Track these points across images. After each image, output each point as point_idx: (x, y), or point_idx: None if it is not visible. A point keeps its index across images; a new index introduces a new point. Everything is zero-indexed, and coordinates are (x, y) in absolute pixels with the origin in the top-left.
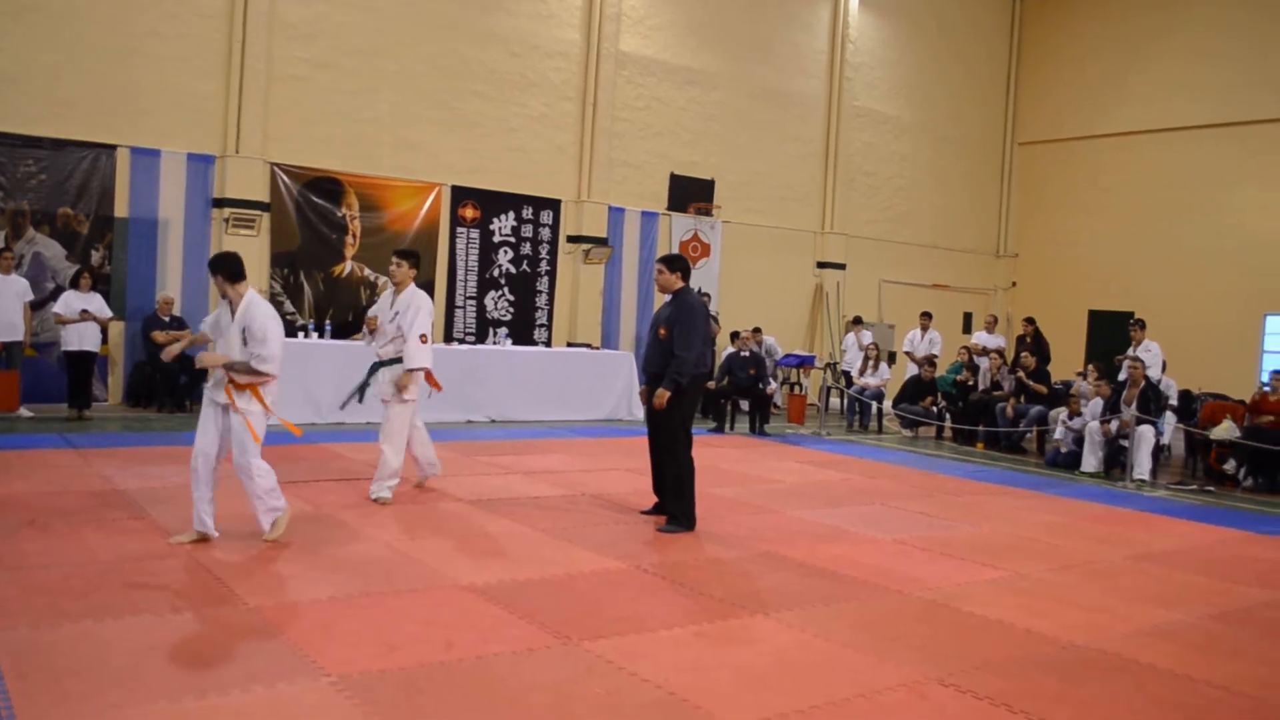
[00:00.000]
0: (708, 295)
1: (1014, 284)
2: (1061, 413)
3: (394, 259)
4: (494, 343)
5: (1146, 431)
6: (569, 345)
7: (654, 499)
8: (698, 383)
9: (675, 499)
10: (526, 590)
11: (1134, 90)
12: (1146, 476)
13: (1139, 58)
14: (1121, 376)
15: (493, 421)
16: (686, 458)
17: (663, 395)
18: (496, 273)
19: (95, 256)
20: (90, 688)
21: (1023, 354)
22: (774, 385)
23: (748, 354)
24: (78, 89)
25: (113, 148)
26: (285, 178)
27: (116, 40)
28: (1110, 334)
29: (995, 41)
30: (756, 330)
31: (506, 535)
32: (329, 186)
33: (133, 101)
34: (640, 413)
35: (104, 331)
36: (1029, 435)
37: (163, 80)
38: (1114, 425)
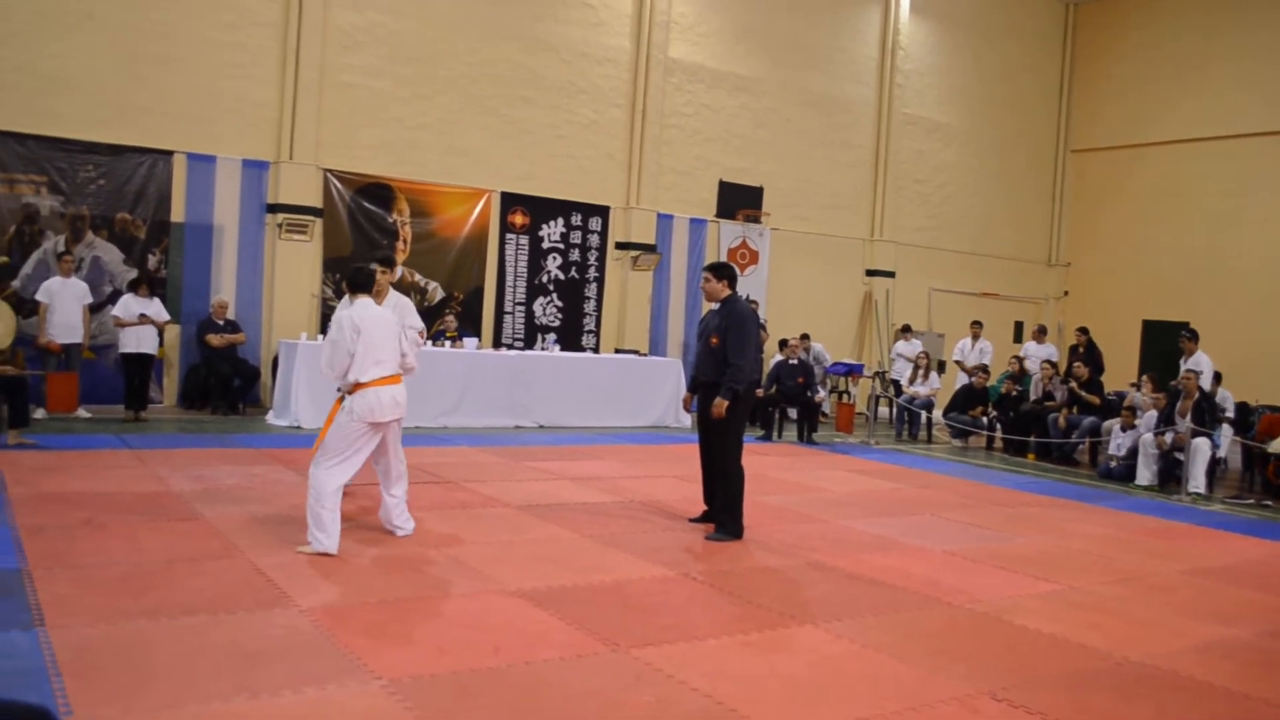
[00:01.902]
0: (755, 302)
1: (1066, 293)
2: (1115, 424)
3: (379, 268)
4: (542, 349)
5: (1202, 444)
6: (617, 351)
7: (702, 507)
8: (749, 390)
9: (724, 507)
10: (574, 596)
11: (1189, 97)
12: (1202, 490)
13: (1194, 64)
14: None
15: (541, 427)
16: (737, 465)
17: (721, 404)
18: (545, 279)
19: (152, 261)
20: (145, 686)
21: (1075, 364)
22: (822, 393)
23: (796, 362)
24: (136, 96)
25: (169, 154)
26: (338, 183)
27: (173, 48)
28: (1165, 344)
29: (1048, 49)
30: (805, 337)
31: (555, 541)
32: (380, 192)
33: (189, 108)
34: (685, 420)
35: (160, 335)
36: (1081, 447)
37: (218, 87)
38: (1169, 437)
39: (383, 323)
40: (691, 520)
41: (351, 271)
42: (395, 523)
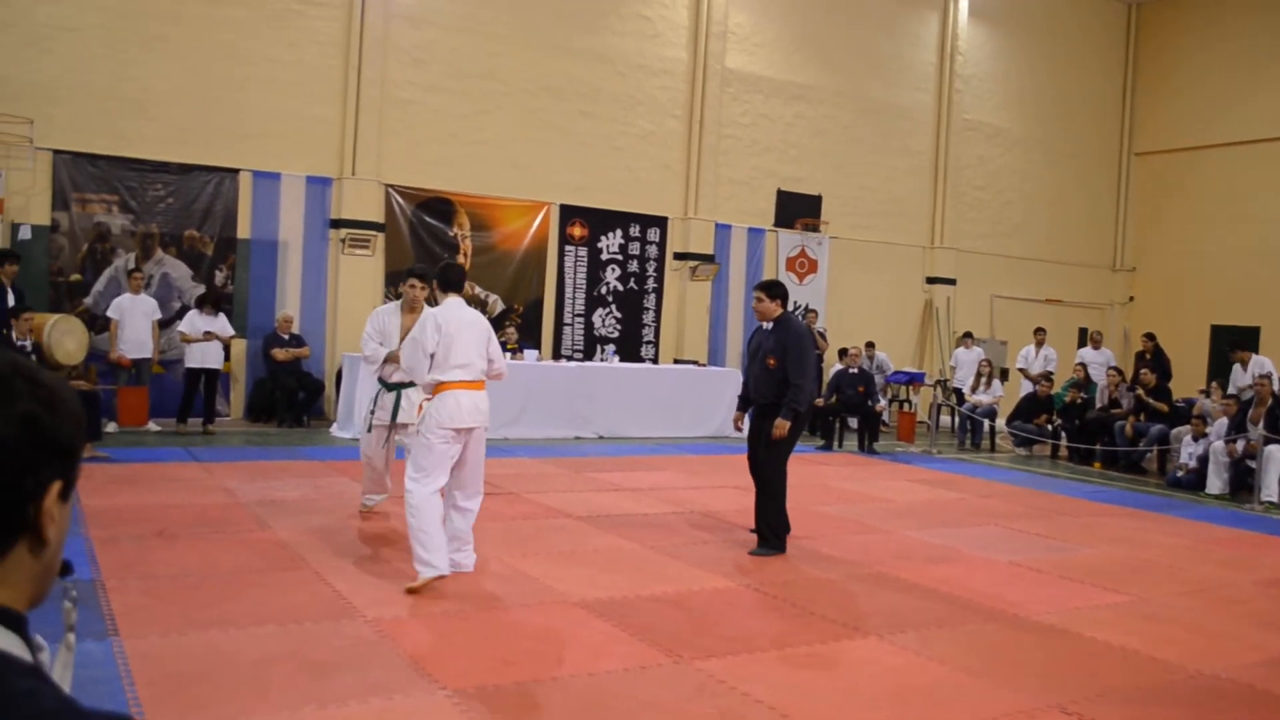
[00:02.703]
0: (814, 312)
1: (1131, 298)
2: (1185, 432)
3: (416, 282)
4: (602, 360)
5: (1275, 451)
6: (676, 362)
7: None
8: (808, 408)
9: (764, 519)
10: (637, 607)
11: (1257, 97)
12: (1275, 498)
13: (1260, 62)
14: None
15: (601, 438)
16: (779, 476)
17: (783, 425)
18: (604, 290)
19: (219, 277)
20: (216, 696)
21: (1142, 371)
22: (883, 403)
23: (856, 371)
24: (202, 115)
25: (235, 171)
26: (399, 198)
27: (238, 68)
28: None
29: (1110, 51)
30: (870, 345)
31: (616, 552)
32: (441, 207)
33: (254, 126)
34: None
35: (226, 349)
36: (1149, 455)
37: (282, 106)
38: (1240, 445)
39: (469, 325)
40: (753, 530)
41: (441, 269)
42: (455, 556)
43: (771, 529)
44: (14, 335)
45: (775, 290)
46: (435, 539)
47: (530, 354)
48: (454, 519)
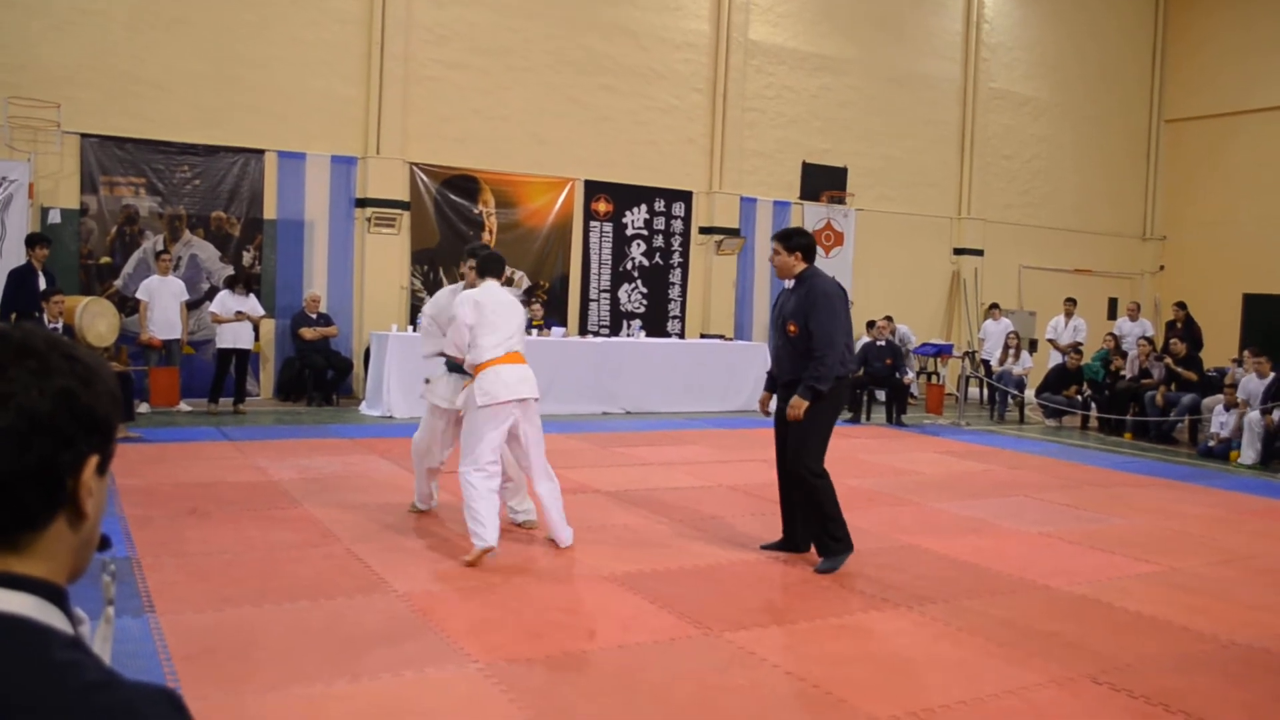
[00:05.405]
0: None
1: (1161, 267)
2: (1216, 401)
3: (474, 262)
4: (628, 335)
5: None
6: (702, 336)
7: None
8: (840, 385)
9: (818, 526)
10: (666, 581)
11: None
12: None
13: None
14: None
15: (628, 413)
16: (819, 470)
17: (799, 405)
18: (629, 265)
19: (246, 257)
20: (251, 670)
21: (1172, 340)
22: (910, 375)
23: (883, 343)
24: (227, 97)
25: (261, 152)
26: (424, 177)
27: (262, 48)
28: (1267, 318)
29: (1139, 16)
30: (888, 319)
31: (645, 526)
32: (466, 184)
33: (279, 107)
34: (772, 405)
35: (256, 330)
36: (1180, 425)
37: (306, 85)
38: (1276, 415)
39: (505, 305)
40: (763, 547)
41: (483, 257)
42: (556, 533)
43: (830, 534)
44: (45, 318)
45: (793, 240)
46: (486, 513)
47: (557, 330)
48: (543, 505)
